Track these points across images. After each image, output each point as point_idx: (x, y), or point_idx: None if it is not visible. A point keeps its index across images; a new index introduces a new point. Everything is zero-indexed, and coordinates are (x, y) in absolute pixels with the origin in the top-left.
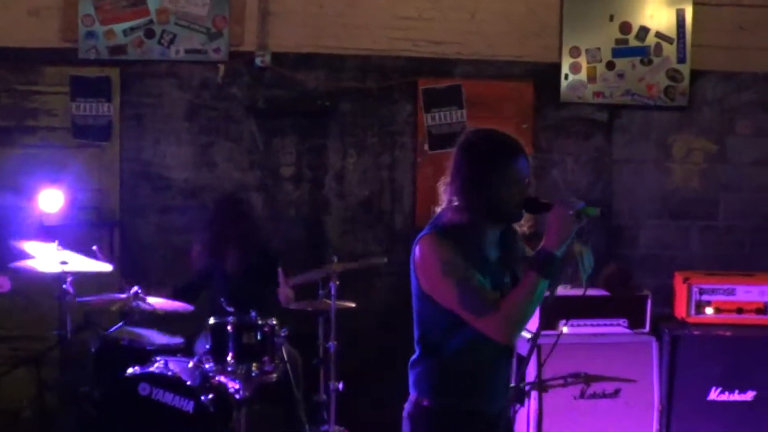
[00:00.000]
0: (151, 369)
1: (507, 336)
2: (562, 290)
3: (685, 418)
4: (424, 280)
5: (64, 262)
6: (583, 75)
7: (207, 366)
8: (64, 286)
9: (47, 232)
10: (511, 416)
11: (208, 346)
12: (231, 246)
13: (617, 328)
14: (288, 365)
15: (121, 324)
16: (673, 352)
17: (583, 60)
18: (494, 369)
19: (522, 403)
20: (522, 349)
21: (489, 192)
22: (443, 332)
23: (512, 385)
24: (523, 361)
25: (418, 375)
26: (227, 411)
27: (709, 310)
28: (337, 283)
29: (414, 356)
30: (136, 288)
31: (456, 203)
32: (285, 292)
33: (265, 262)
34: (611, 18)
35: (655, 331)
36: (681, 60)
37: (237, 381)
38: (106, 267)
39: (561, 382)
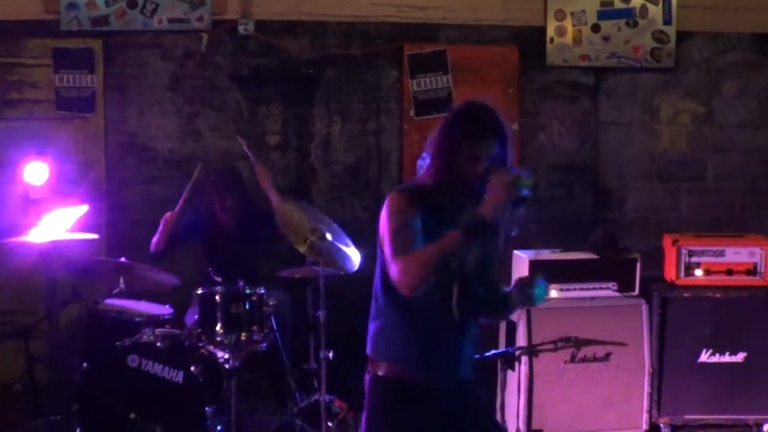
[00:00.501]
0: (140, 340)
1: (404, 283)
2: (550, 254)
3: (676, 380)
4: (379, 235)
5: (50, 234)
6: (568, 38)
7: (196, 336)
8: (51, 258)
9: (33, 204)
10: (477, 391)
11: (196, 317)
12: (226, 214)
13: (607, 291)
14: (277, 333)
15: (108, 296)
16: (663, 314)
17: (568, 23)
18: (442, 340)
19: (512, 368)
20: (516, 317)
21: (446, 158)
22: (389, 292)
23: (476, 357)
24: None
25: (370, 336)
26: (217, 381)
27: (698, 272)
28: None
29: (370, 316)
30: (123, 259)
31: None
32: (277, 204)
33: (259, 224)
34: None
35: (645, 294)
36: (667, 21)
37: (226, 351)
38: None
39: (551, 346)
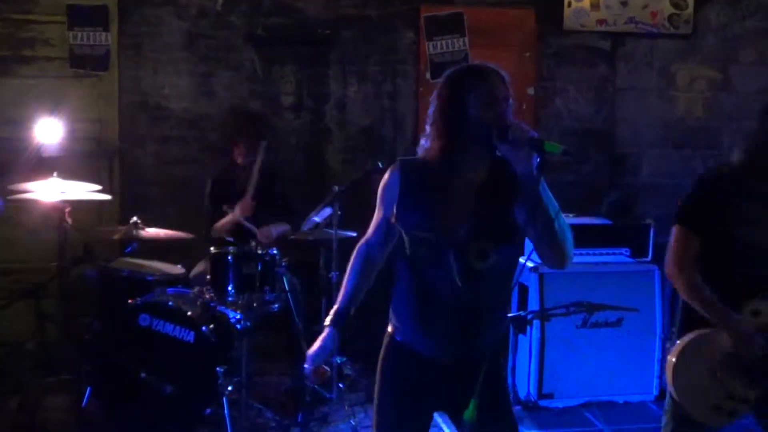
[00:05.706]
0: (152, 300)
1: None
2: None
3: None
4: None
5: (63, 193)
6: (586, 2)
7: (207, 296)
8: (63, 216)
9: (46, 162)
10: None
11: (208, 276)
12: (243, 163)
13: (620, 257)
14: (289, 294)
15: (120, 254)
16: None
17: None
18: (441, 312)
19: (524, 333)
20: (528, 282)
21: (452, 114)
22: (395, 254)
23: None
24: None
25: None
26: (228, 341)
27: None
28: (339, 212)
29: None
30: (135, 218)
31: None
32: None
33: (271, 185)
34: None
35: (658, 259)
36: None
37: (238, 311)
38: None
39: (563, 311)
